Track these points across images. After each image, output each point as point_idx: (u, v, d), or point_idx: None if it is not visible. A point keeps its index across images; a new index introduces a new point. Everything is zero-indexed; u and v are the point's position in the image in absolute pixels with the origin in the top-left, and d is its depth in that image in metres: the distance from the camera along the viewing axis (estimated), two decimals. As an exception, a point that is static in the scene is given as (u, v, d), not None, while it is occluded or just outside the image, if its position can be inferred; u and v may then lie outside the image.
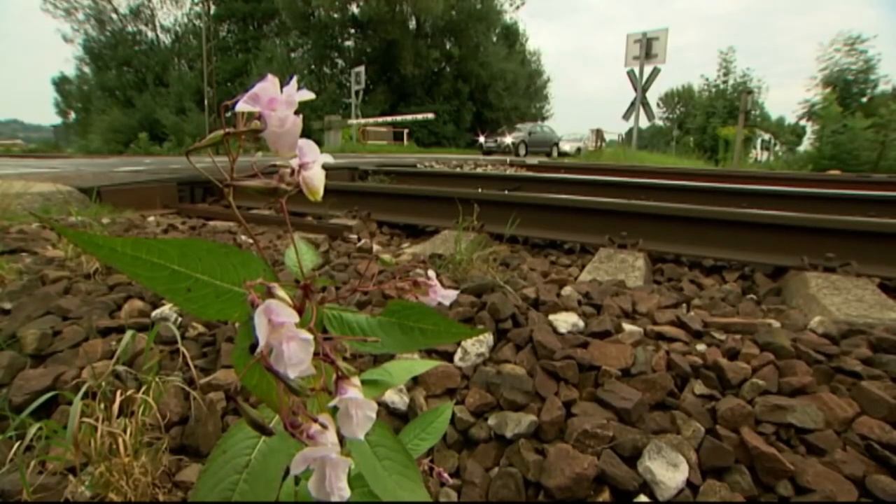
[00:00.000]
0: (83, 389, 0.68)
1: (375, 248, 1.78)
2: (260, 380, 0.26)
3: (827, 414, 0.72)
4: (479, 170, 6.41)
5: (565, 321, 0.93)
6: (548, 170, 7.03)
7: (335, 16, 23.17)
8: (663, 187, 3.21)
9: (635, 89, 12.27)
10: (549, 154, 18.65)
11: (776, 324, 1.03)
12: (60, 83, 27.22)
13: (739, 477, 0.63)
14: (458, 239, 1.45)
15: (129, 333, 0.82)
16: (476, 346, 0.85)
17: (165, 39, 25.52)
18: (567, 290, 1.15)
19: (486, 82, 25.36)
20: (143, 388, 0.76)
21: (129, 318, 1.01)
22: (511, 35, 28.22)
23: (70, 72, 27.58)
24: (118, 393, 0.71)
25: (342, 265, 1.35)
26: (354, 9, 23.20)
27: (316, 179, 0.26)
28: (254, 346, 0.22)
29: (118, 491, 0.62)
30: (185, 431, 0.73)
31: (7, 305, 1.06)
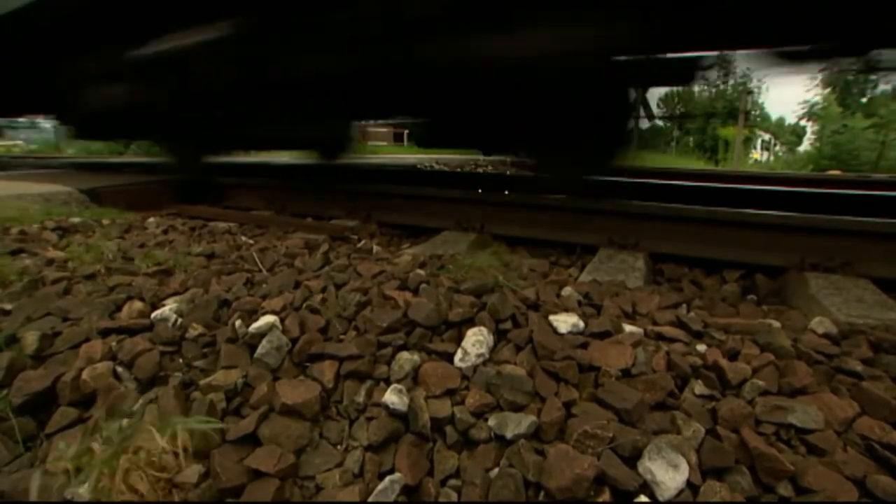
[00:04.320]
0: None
1: (375, 248, 1.78)
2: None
3: (827, 414, 0.72)
4: (479, 170, 6.41)
5: (565, 322, 0.93)
6: (548, 170, 7.00)
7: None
8: (663, 188, 3.21)
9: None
10: (549, 154, 18.58)
11: (776, 324, 1.03)
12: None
13: (740, 477, 0.63)
14: (458, 240, 1.45)
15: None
16: (476, 346, 0.85)
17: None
18: (567, 291, 1.15)
19: (486, 83, 25.29)
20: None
21: (129, 318, 1.01)
22: (511, 36, 28.13)
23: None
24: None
25: (342, 266, 1.35)
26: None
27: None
28: None
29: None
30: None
31: (7, 306, 1.06)
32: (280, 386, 0.79)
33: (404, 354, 0.85)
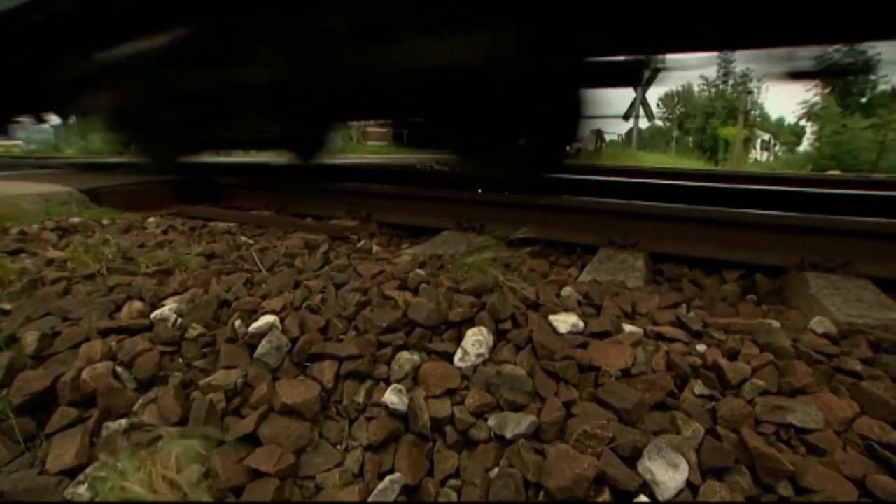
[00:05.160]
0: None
1: (375, 248, 1.78)
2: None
3: (827, 414, 0.72)
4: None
5: (565, 322, 0.93)
6: (548, 170, 7.00)
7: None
8: (663, 188, 3.21)
9: (635, 90, 12.30)
10: (548, 154, 18.61)
11: (776, 324, 1.03)
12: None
13: (739, 477, 0.63)
14: (458, 240, 1.45)
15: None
16: (476, 346, 0.85)
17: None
18: (567, 291, 1.15)
19: (486, 83, 25.34)
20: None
21: (129, 318, 1.01)
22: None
23: (70, 73, 27.45)
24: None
25: (342, 266, 1.35)
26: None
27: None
28: None
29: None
30: (185, 433, 0.73)
31: (7, 306, 1.06)
32: (280, 386, 0.79)
33: (404, 354, 0.85)
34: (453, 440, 0.72)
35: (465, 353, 0.84)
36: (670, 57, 2.26)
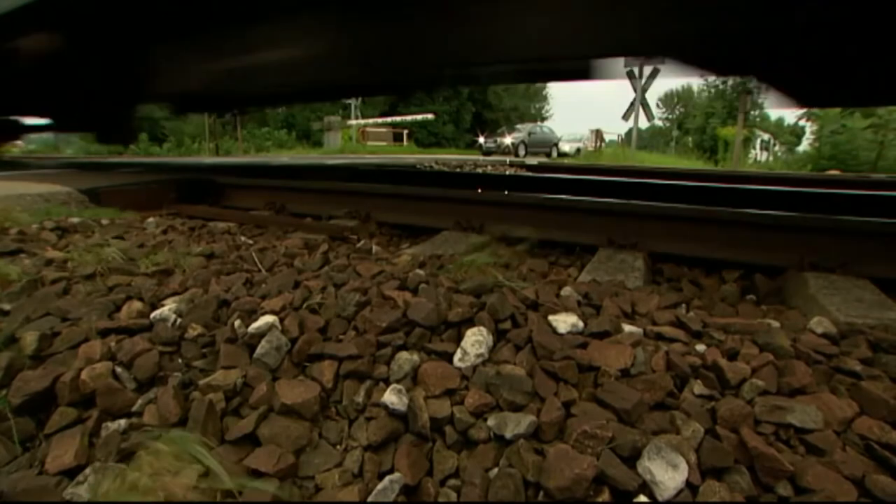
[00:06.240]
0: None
1: (375, 248, 1.78)
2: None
3: (826, 414, 0.72)
4: (478, 170, 6.42)
5: (565, 322, 0.93)
6: (547, 170, 7.03)
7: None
8: (663, 188, 3.21)
9: (635, 90, 12.30)
10: (548, 154, 18.69)
11: (775, 324, 1.04)
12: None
13: (739, 477, 0.63)
14: (457, 240, 1.45)
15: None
16: (475, 346, 0.85)
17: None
18: (566, 291, 1.15)
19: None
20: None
21: (129, 318, 1.01)
22: (510, 36, 28.26)
23: (69, 73, 27.45)
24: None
25: (342, 266, 1.35)
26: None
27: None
28: None
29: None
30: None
31: (6, 307, 1.06)
32: (279, 386, 0.79)
33: (404, 354, 0.85)
34: (453, 440, 0.72)
35: (465, 353, 0.84)
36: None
